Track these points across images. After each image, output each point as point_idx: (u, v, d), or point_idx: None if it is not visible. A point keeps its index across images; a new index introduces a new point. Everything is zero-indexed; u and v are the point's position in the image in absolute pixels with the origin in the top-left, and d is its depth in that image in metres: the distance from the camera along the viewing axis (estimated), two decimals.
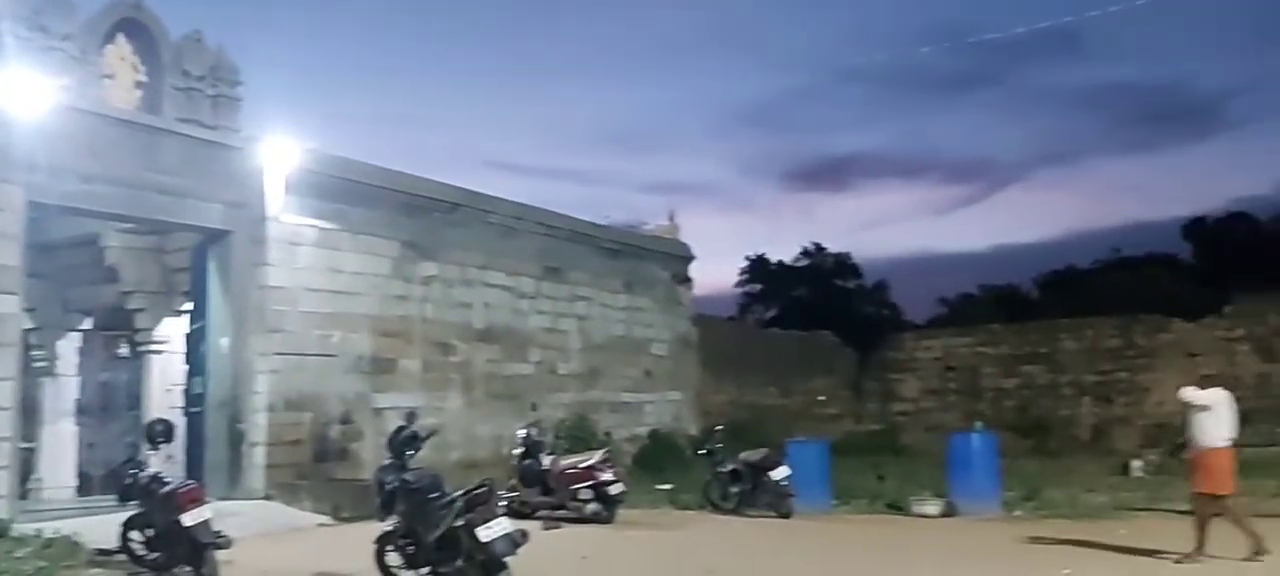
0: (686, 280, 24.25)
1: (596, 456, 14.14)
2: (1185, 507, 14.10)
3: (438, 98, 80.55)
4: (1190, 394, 10.18)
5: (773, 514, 13.93)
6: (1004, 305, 35.72)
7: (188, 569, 8.52)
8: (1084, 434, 25.29)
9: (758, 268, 46.92)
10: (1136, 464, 19.66)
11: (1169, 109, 68.51)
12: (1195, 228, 40.29)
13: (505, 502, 10.45)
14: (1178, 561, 9.69)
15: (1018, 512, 14.14)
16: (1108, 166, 73.96)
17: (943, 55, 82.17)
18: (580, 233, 21.03)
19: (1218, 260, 36.16)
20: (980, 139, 78.90)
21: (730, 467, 14.73)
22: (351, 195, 15.77)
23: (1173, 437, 21.40)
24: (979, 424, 16.26)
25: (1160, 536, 11.72)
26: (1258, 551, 9.47)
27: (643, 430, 21.63)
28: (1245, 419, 22.92)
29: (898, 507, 14.64)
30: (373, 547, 8.60)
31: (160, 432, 9.26)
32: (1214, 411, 9.94)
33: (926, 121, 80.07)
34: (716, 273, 56.94)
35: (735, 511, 14.34)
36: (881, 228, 77.68)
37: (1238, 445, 10.13)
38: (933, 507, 13.97)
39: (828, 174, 76.22)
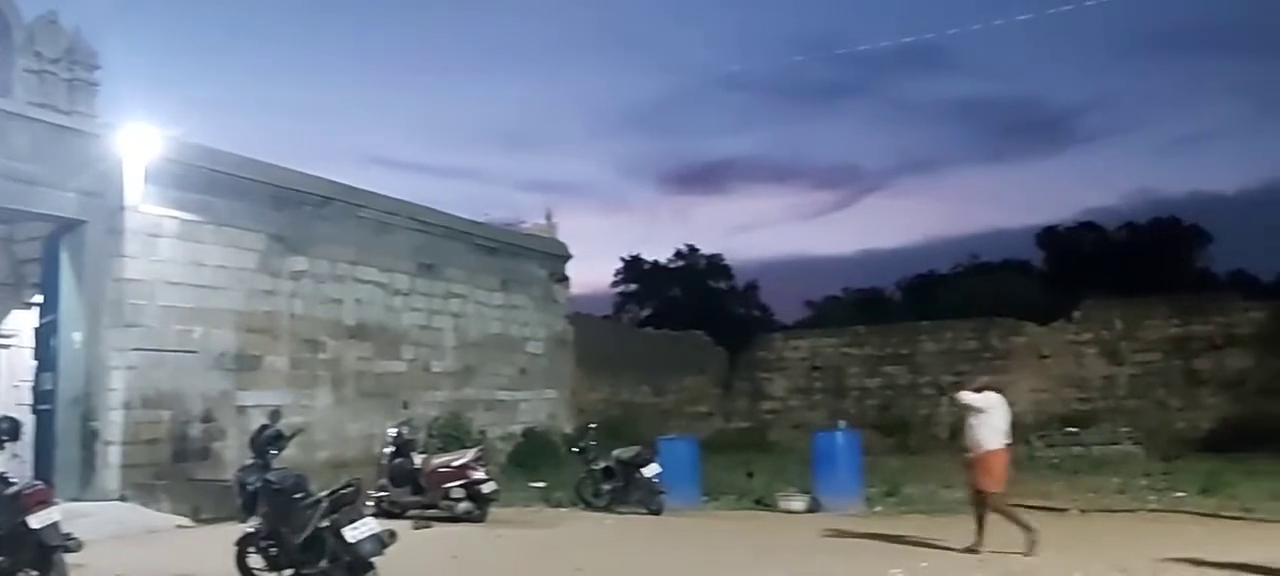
0: (563, 279, 24.32)
1: (469, 455, 14.06)
2: (1032, 502, 15.01)
3: (313, 87, 78.58)
4: (967, 397, 10.63)
5: (644, 510, 14.12)
6: (868, 308, 36.89)
7: (34, 573, 8.16)
8: (943, 432, 26.23)
9: (633, 268, 47.40)
10: None
11: (1025, 123, 71.95)
12: (1048, 236, 42.40)
13: (373, 502, 10.34)
14: (967, 550, 10.18)
15: (879, 508, 14.69)
16: (967, 176, 77.19)
17: (816, 65, 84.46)
18: (457, 229, 20.85)
19: (1068, 267, 38.14)
20: (849, 147, 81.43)
21: (603, 465, 14.87)
22: (217, 186, 15.28)
23: (1027, 434, 22.64)
24: (842, 422, 16.82)
25: (1009, 530, 12.39)
26: (1030, 545, 9.94)
27: (517, 428, 21.59)
28: (1091, 418, 24.39)
29: (765, 504, 15.03)
30: (233, 549, 8.40)
31: (6, 431, 8.81)
32: (989, 414, 10.40)
33: (799, 128, 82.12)
34: (594, 272, 57.21)
35: (607, 509, 14.48)
36: (754, 231, 79.30)
37: (1010, 444, 10.59)
38: (798, 503, 14.38)
39: (704, 177, 77.39)
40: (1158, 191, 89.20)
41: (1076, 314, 26.28)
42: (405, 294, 19.14)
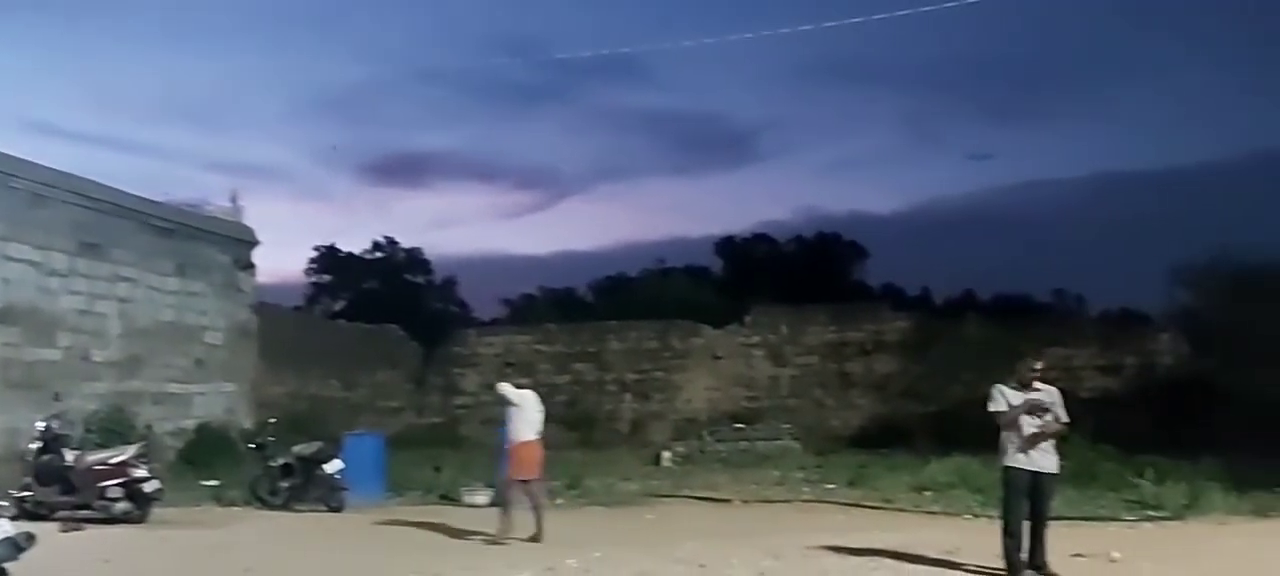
0: (249, 266, 23.10)
1: (130, 451, 13.14)
2: (700, 493, 16.13)
3: None
4: (505, 389, 11.40)
5: (325, 508, 13.83)
6: (561, 307, 37.66)
7: None
8: (625, 427, 27.51)
9: (328, 258, 45.75)
10: (667, 455, 21.84)
11: (709, 138, 75.99)
12: (726, 245, 45.11)
13: (13, 503, 9.51)
14: (489, 542, 10.81)
15: (560, 501, 15.19)
16: (656, 185, 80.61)
17: (518, 67, 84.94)
18: (127, 207, 19.28)
19: (743, 275, 40.78)
20: (548, 150, 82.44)
21: (281, 462, 14.40)
22: None
23: (700, 430, 24.19)
24: None
25: (680, 520, 13.27)
26: (532, 536, 10.80)
27: (191, 423, 20.27)
28: (758, 415, 26.21)
29: (451, 498, 15.16)
30: None
31: None
32: (523, 409, 11.20)
33: (500, 128, 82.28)
34: (285, 261, 54.51)
35: (285, 507, 14.04)
36: (454, 227, 78.54)
37: (544, 438, 11.43)
38: (482, 497, 14.60)
39: (403, 170, 75.71)
40: (822, 209, 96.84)
41: (748, 318, 28.22)
42: (63, 275, 17.50)
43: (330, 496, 13.92)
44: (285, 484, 14.22)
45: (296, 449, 14.45)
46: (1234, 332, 22.18)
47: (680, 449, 22.41)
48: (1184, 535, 11.10)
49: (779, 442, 22.84)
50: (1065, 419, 8.51)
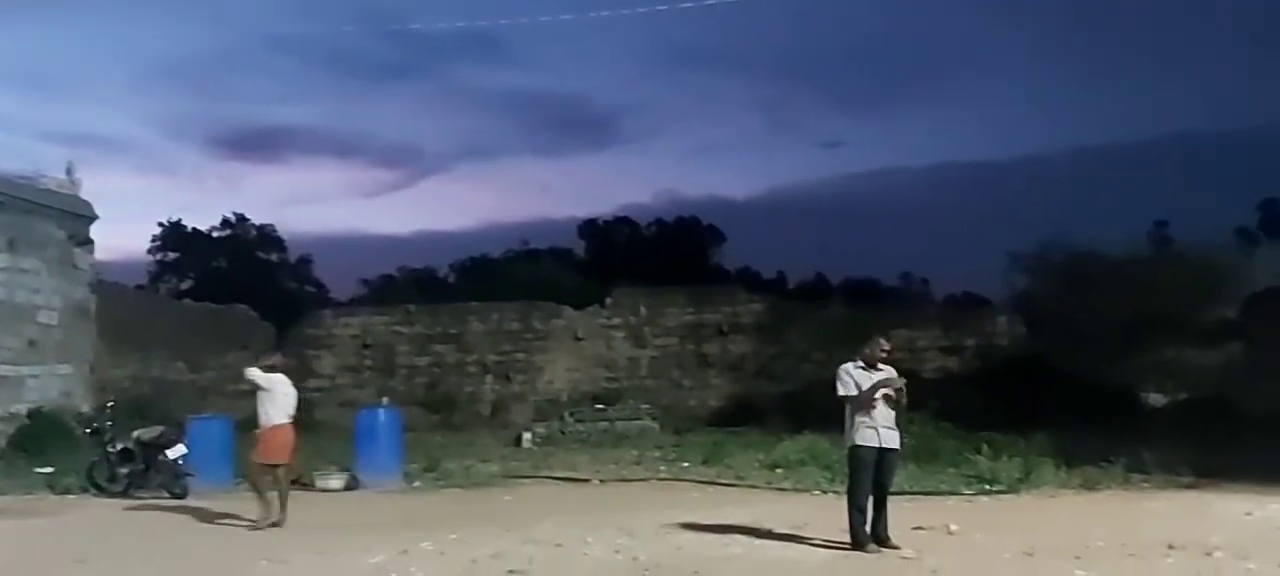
0: (87, 242, 21.93)
1: None
2: (560, 474, 16.21)
3: None
4: (253, 374, 11.24)
5: (167, 495, 13.33)
6: (422, 288, 37.15)
7: None
8: (486, 409, 27.31)
9: (173, 234, 44.00)
10: (528, 436, 21.83)
11: (574, 119, 76.21)
12: (588, 228, 45.43)
13: None
14: (267, 526, 10.71)
15: (417, 483, 15.06)
16: (520, 165, 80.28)
17: (376, 41, 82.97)
18: None
19: (605, 257, 41.14)
20: (408, 127, 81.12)
21: (121, 447, 13.83)
22: None
23: (561, 411, 24.25)
24: (385, 399, 17.01)
25: (538, 500, 13.32)
26: (274, 522, 10.72)
27: (23, 408, 19.22)
28: (618, 396, 26.42)
29: (304, 483, 14.78)
30: None
31: None
32: (273, 392, 11.11)
33: (359, 104, 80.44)
34: (130, 238, 51.92)
35: (125, 494, 13.51)
36: (310, 204, 76.45)
37: (296, 421, 11.40)
38: (336, 481, 14.36)
39: (256, 144, 73.23)
40: (682, 193, 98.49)
41: (608, 300, 28.39)
42: None
43: (173, 483, 13.42)
44: (125, 470, 13.66)
45: (137, 433, 13.90)
46: (1065, 316, 23.59)
47: (541, 430, 22.42)
48: (1017, 507, 11.74)
49: (638, 422, 23.10)
50: (903, 398, 8.91)
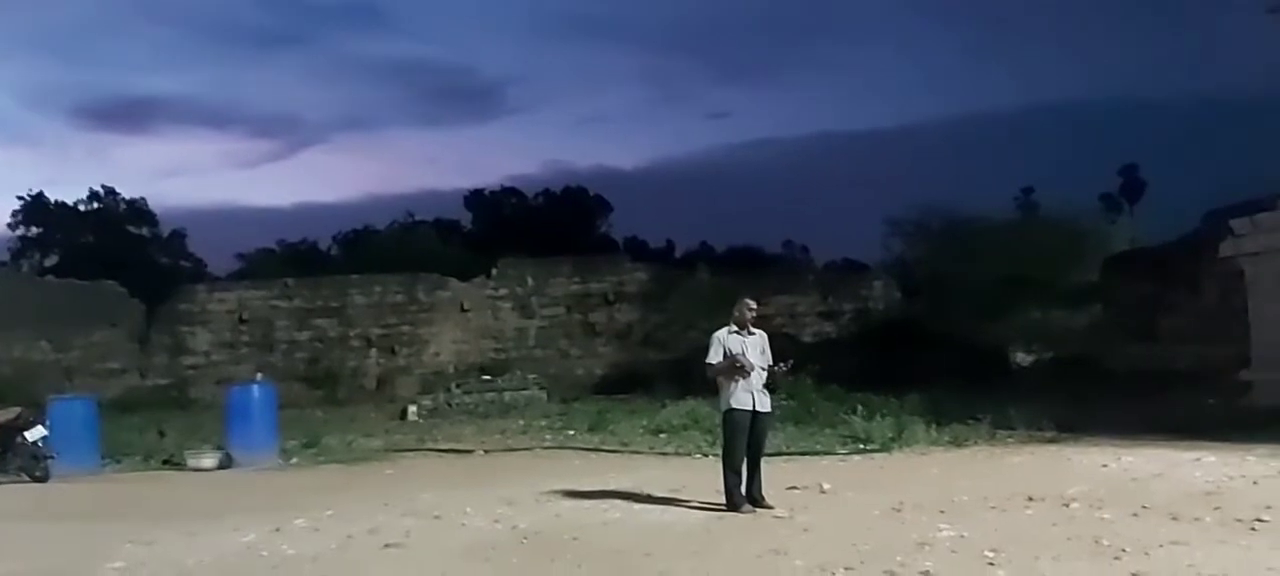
0: None
1: None
2: (444, 445, 16.09)
3: None
4: None
5: (27, 478, 12.77)
6: (302, 261, 36.23)
7: None
8: (370, 383, 26.88)
9: (35, 208, 41.95)
10: (413, 409, 21.58)
11: (458, 89, 75.29)
12: (475, 199, 44.96)
13: None
14: None
15: (295, 460, 14.75)
16: (405, 136, 79.00)
17: (253, 8, 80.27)
18: None
19: (492, 228, 40.81)
20: (287, 97, 78.95)
21: None
22: None
23: (448, 383, 24.01)
24: (259, 374, 16.59)
25: (420, 473, 13.18)
26: None
27: None
28: (505, 366, 26.23)
29: (175, 463, 14.38)
30: None
31: None
32: None
33: (234, 73, 77.84)
34: None
35: None
36: (183, 176, 73.79)
37: None
38: (209, 460, 13.96)
39: (125, 114, 70.29)
40: (569, 163, 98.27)
41: (494, 271, 28.18)
42: None
43: (33, 466, 12.86)
44: None
45: None
46: (939, 280, 24.40)
47: (427, 403, 22.19)
48: (889, 465, 12.10)
49: (526, 393, 23.03)
50: (771, 361, 9.10)
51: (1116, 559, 6.59)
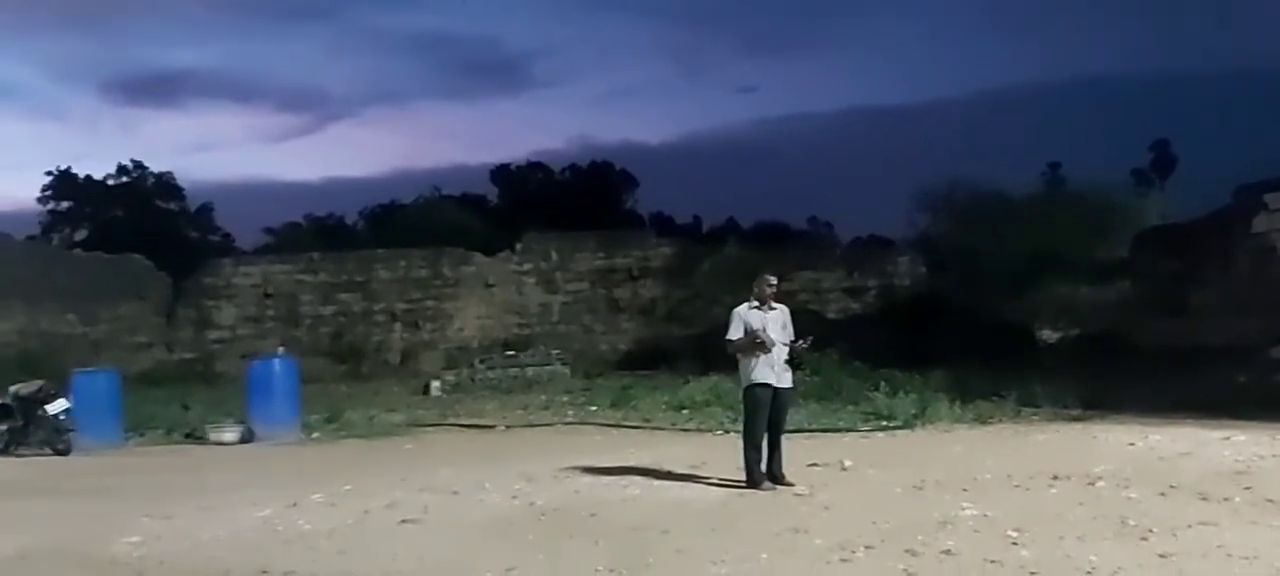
0: None
1: None
2: (467, 420, 16.08)
3: None
4: None
5: (50, 451, 12.86)
6: (329, 236, 36.31)
7: None
8: (394, 358, 26.92)
9: (66, 183, 42.35)
10: (436, 384, 21.60)
11: (485, 63, 75.08)
12: (501, 173, 44.89)
13: None
14: None
15: (316, 434, 14.78)
16: (431, 110, 78.96)
17: None
18: None
19: (518, 203, 40.74)
20: (314, 71, 79.06)
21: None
22: None
23: (472, 358, 24.02)
24: (281, 349, 16.63)
25: (440, 448, 13.17)
26: None
27: None
28: (529, 342, 26.20)
29: (198, 436, 14.45)
30: None
31: None
32: None
33: (261, 46, 77.99)
34: (19, 187, 49.70)
35: (4, 452, 13.01)
36: (211, 150, 74.15)
37: None
38: (231, 434, 14.02)
39: (154, 89, 70.63)
40: (595, 138, 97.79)
41: (519, 246, 28.10)
42: None
43: (55, 439, 12.96)
44: (4, 427, 13.12)
45: (14, 388, 13.35)
46: (965, 255, 24.10)
47: (450, 378, 22.20)
48: (912, 442, 11.97)
49: (549, 368, 23.00)
50: (793, 336, 8.98)
51: (1143, 539, 6.44)
